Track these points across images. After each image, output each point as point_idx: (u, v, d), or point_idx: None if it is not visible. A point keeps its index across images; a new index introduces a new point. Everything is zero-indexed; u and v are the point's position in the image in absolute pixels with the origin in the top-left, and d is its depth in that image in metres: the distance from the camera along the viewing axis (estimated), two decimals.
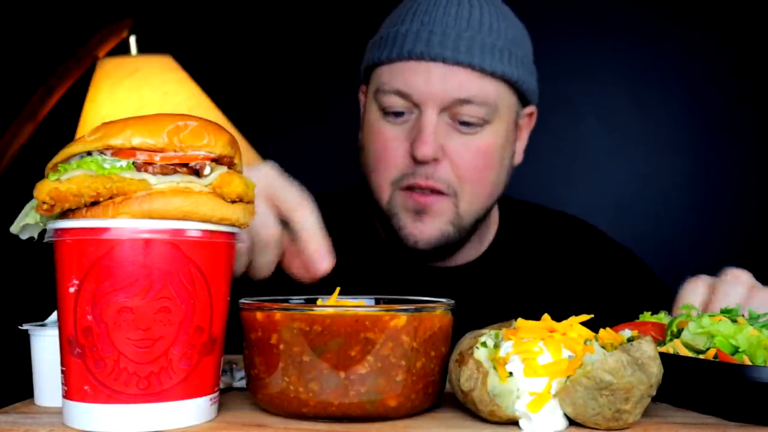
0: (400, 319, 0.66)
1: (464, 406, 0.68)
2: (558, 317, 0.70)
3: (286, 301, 0.80)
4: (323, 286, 0.85)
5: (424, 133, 1.19)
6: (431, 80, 1.20)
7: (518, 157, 1.35)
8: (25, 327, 0.76)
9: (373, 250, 1.37)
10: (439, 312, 0.69)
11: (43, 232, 0.68)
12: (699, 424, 0.66)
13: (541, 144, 2.22)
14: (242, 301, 0.71)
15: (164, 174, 0.64)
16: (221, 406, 0.72)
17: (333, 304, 0.75)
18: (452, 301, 0.73)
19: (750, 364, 0.69)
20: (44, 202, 0.62)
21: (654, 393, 0.63)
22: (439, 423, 0.67)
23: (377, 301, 0.81)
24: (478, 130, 1.22)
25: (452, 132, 1.22)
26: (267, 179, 0.83)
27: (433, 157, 1.19)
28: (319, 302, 0.78)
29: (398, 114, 1.23)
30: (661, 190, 2.17)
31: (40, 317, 0.82)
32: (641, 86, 2.19)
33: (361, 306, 0.73)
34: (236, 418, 0.69)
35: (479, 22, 1.23)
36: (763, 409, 0.65)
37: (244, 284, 0.85)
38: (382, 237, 1.38)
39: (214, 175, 0.66)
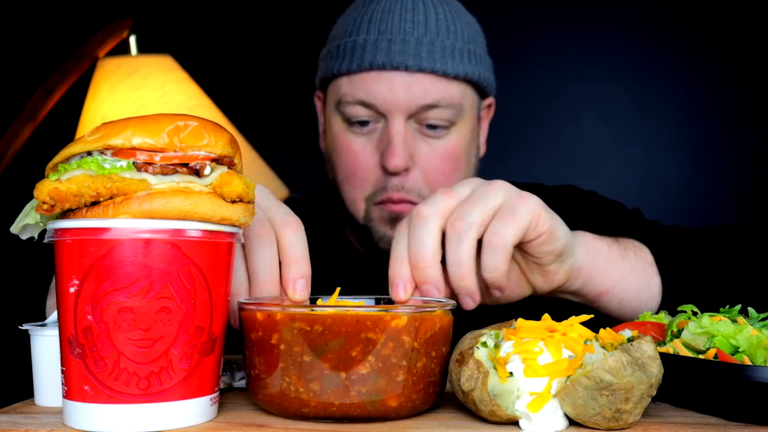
0: (401, 320, 0.66)
1: (464, 406, 0.68)
2: (558, 317, 0.70)
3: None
4: None
5: (393, 144, 1.19)
6: (394, 89, 1.19)
7: (482, 149, 1.35)
8: (25, 327, 0.76)
9: (342, 255, 1.37)
10: (439, 312, 0.69)
11: (43, 232, 0.68)
12: (699, 424, 0.66)
13: (540, 142, 2.22)
14: (242, 300, 0.71)
15: (164, 174, 0.64)
16: (221, 406, 0.72)
17: (334, 304, 0.75)
18: (453, 302, 0.73)
19: (750, 364, 0.69)
20: (44, 202, 0.62)
21: (654, 393, 0.63)
22: (439, 423, 0.67)
23: (378, 302, 0.81)
24: (446, 133, 1.22)
25: (420, 138, 1.22)
26: (260, 195, 0.82)
27: (405, 167, 1.19)
28: (319, 302, 0.78)
29: (363, 123, 1.22)
30: (661, 189, 2.17)
31: (40, 317, 0.82)
32: (641, 84, 2.19)
33: (361, 306, 0.73)
34: (236, 418, 0.69)
35: (436, 26, 1.21)
36: (763, 409, 0.65)
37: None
38: (351, 241, 1.38)
39: (215, 175, 0.66)
